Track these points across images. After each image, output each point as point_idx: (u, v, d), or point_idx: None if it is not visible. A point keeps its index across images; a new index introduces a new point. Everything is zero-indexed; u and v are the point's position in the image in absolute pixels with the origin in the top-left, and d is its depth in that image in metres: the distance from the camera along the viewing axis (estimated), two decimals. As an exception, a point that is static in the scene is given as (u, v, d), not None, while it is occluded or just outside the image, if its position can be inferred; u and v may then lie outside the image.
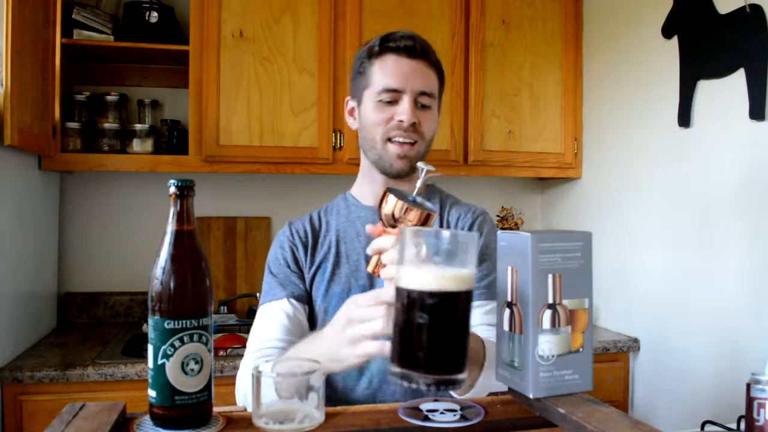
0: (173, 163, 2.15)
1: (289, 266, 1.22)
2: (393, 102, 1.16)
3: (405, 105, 1.15)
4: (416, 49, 1.16)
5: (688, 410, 1.90)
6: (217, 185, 2.45)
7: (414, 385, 0.70)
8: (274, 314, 1.16)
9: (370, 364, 1.16)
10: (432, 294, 0.69)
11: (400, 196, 0.85)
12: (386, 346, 0.78)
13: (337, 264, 1.21)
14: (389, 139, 1.17)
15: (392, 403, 0.84)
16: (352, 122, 1.27)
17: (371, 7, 2.22)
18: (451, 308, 0.71)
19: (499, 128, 2.37)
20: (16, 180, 1.86)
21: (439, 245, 0.71)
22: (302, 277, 1.22)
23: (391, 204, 0.84)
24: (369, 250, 0.90)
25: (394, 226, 0.86)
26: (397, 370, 0.72)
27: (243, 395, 1.12)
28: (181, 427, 0.72)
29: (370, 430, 0.74)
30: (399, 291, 0.72)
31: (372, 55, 1.18)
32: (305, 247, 1.23)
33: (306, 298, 1.21)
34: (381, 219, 0.88)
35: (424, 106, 1.17)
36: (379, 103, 1.17)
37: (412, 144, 1.17)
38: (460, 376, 0.72)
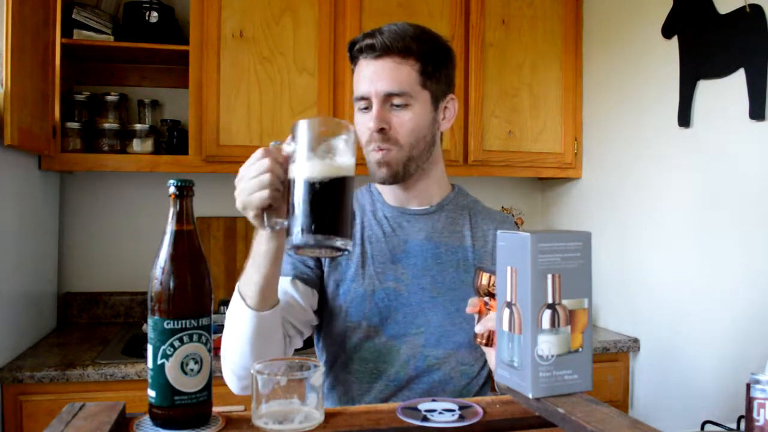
0: (173, 163, 2.15)
1: None
2: (368, 108, 1.12)
3: (372, 111, 1.10)
4: (376, 46, 1.09)
5: (688, 410, 1.90)
6: (217, 185, 2.44)
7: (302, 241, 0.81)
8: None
9: (386, 369, 1.15)
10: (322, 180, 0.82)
11: (488, 270, 0.99)
12: (270, 193, 0.85)
13: (361, 264, 1.17)
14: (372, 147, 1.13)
15: (391, 404, 0.84)
16: None
17: (371, 7, 2.22)
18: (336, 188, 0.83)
19: (499, 128, 2.37)
20: (16, 180, 1.86)
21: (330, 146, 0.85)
22: (319, 264, 1.17)
23: (486, 279, 0.98)
24: (479, 329, 0.98)
25: (487, 294, 0.98)
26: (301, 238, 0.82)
27: (231, 363, 1.05)
28: (180, 427, 0.72)
29: (369, 430, 0.74)
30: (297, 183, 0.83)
31: (351, 62, 1.16)
32: None
33: (316, 284, 1.16)
34: (479, 293, 0.99)
35: (399, 106, 1.10)
36: (359, 112, 1.14)
37: (388, 150, 1.11)
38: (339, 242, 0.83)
